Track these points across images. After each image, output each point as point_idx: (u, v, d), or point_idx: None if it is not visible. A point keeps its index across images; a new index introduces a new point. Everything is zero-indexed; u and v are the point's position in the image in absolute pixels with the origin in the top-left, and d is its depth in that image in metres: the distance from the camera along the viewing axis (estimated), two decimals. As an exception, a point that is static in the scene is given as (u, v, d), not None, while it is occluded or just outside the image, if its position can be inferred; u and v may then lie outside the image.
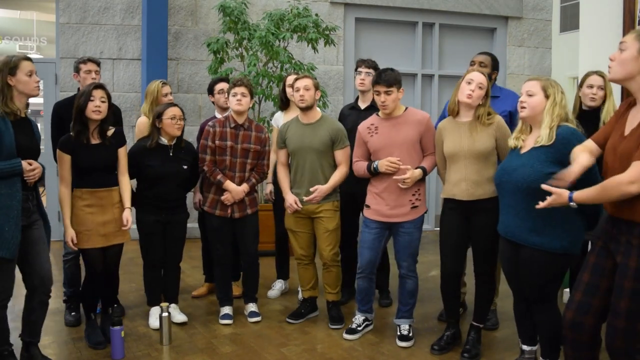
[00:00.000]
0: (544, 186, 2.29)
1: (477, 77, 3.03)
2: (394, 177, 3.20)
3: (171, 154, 3.49)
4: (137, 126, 3.85)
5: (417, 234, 3.31)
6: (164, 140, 3.48)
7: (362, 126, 3.40)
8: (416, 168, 3.22)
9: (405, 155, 3.22)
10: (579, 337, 2.28)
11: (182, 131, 3.54)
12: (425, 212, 3.34)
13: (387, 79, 3.19)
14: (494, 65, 3.60)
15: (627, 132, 2.17)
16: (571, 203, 2.22)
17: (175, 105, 3.53)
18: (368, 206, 3.36)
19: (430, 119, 3.34)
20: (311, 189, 3.48)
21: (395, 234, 3.32)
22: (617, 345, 2.14)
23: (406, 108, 3.34)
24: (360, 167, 3.36)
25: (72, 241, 3.08)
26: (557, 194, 2.25)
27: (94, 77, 3.57)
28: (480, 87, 3.01)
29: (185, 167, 3.52)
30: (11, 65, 2.70)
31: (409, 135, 3.25)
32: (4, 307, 2.73)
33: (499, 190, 2.79)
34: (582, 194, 2.20)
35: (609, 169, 2.21)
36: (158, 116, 3.45)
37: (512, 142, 2.74)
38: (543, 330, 2.71)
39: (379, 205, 3.29)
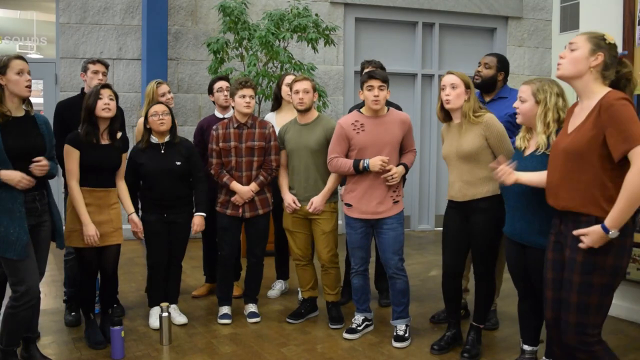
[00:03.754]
0: (576, 232, 2.18)
1: (447, 80, 3.03)
2: (383, 175, 3.22)
3: (162, 151, 3.48)
4: (136, 128, 3.87)
5: (401, 229, 3.31)
6: (155, 139, 3.50)
7: (345, 122, 3.34)
8: (398, 165, 3.28)
9: (391, 153, 3.26)
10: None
11: (175, 128, 3.54)
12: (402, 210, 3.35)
13: (381, 74, 3.24)
14: (500, 66, 3.56)
15: (570, 129, 2.26)
16: (610, 233, 2.09)
17: (158, 102, 3.55)
18: (350, 205, 3.35)
19: (410, 119, 3.39)
20: (307, 207, 3.49)
21: (379, 233, 3.32)
22: (571, 339, 2.19)
23: (388, 108, 3.36)
24: (344, 164, 3.29)
25: (97, 235, 3.05)
26: (591, 233, 2.13)
27: (100, 78, 3.58)
28: (453, 87, 3.01)
29: (178, 163, 3.48)
30: (1, 65, 2.67)
31: (396, 134, 3.28)
32: (30, 307, 2.72)
33: (504, 193, 2.79)
34: (615, 216, 2.08)
35: (550, 166, 2.32)
36: (145, 117, 3.50)
37: (518, 142, 2.75)
38: None
39: (362, 203, 3.29)
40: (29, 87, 2.75)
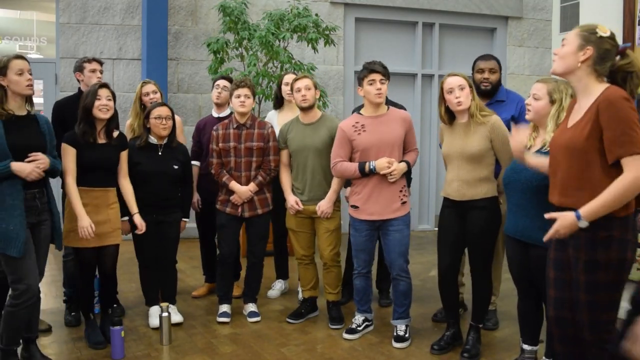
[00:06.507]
0: (547, 215, 2.20)
1: (454, 82, 3.02)
2: (382, 172, 3.19)
3: (160, 153, 3.49)
4: (126, 128, 3.84)
5: (407, 231, 3.30)
6: (154, 140, 3.50)
7: (346, 125, 3.31)
8: (400, 163, 3.25)
9: (395, 152, 3.24)
10: (564, 332, 2.29)
11: (174, 131, 3.54)
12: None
13: (382, 68, 3.22)
14: (500, 67, 3.59)
15: (570, 124, 2.22)
16: (580, 222, 2.09)
17: (163, 104, 3.53)
18: (356, 207, 3.32)
19: (410, 116, 3.39)
20: (317, 210, 3.49)
21: (385, 234, 3.30)
22: (586, 337, 2.17)
23: (388, 107, 3.35)
24: (348, 168, 3.26)
25: (91, 227, 3.02)
26: (561, 217, 2.13)
27: (98, 76, 3.59)
28: (461, 88, 3.01)
29: (175, 166, 3.50)
30: (1, 66, 2.69)
31: (398, 132, 3.26)
32: (29, 306, 2.73)
33: (507, 190, 2.78)
34: (591, 208, 2.06)
35: (552, 162, 2.27)
36: (146, 116, 3.48)
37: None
38: None
39: (369, 205, 3.26)
40: (29, 85, 2.77)
